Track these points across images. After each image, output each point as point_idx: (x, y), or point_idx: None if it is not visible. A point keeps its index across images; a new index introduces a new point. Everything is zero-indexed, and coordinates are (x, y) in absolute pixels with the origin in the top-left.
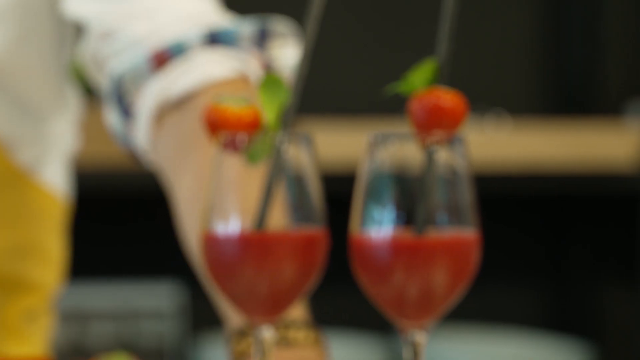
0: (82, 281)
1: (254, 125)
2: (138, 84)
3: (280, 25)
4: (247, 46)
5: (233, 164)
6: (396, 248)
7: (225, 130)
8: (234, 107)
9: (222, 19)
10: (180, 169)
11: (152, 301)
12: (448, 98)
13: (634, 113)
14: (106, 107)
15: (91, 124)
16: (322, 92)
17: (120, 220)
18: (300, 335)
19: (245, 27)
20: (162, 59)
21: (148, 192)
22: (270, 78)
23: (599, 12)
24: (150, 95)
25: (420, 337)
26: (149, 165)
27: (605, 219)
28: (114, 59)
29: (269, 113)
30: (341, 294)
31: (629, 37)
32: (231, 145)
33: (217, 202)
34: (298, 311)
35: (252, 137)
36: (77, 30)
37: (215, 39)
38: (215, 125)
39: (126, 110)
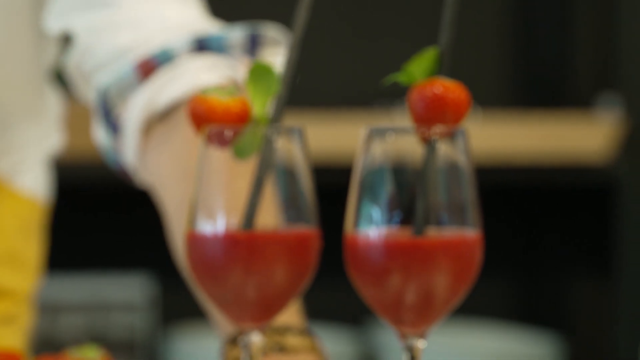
0: (52, 273)
1: (242, 118)
2: (124, 96)
3: (272, 31)
4: (236, 53)
5: (220, 158)
6: (393, 249)
7: (212, 122)
8: (221, 98)
9: (210, 26)
10: (173, 181)
11: (123, 293)
12: (450, 89)
13: (605, 105)
14: (94, 123)
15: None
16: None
17: (91, 212)
18: (297, 341)
19: (234, 33)
20: (149, 67)
21: (119, 184)
22: (258, 67)
23: (570, 4)
24: (137, 106)
25: (419, 343)
26: (141, 184)
27: (576, 211)
28: (100, 71)
29: (257, 105)
30: (316, 286)
31: (599, 29)
32: (218, 139)
33: (202, 200)
34: (293, 316)
35: (240, 130)
36: (62, 40)
37: (203, 45)
38: (201, 117)
39: (113, 124)
